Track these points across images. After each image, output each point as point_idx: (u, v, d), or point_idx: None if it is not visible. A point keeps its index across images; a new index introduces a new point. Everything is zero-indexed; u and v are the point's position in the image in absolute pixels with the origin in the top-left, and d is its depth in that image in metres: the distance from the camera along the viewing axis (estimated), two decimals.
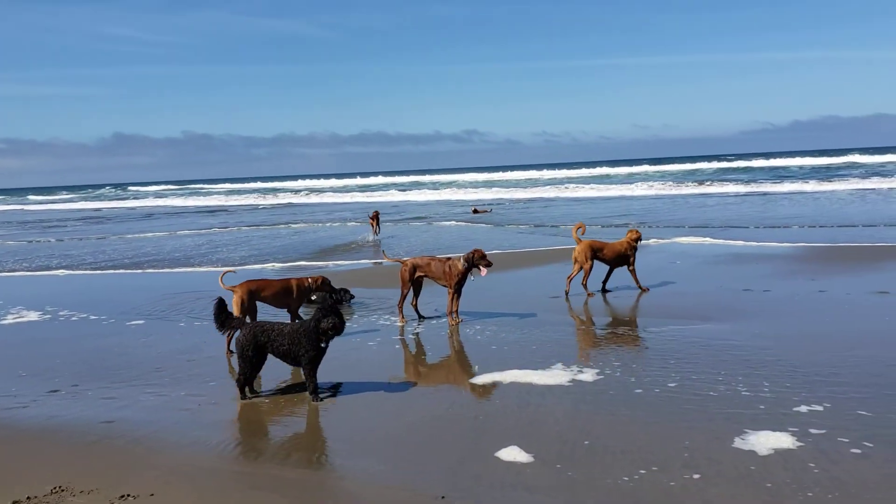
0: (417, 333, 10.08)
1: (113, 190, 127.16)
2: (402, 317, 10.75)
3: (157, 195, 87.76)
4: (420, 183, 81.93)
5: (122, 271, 18.59)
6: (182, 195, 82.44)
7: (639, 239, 12.75)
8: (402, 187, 74.65)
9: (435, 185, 74.64)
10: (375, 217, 24.72)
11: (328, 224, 32.25)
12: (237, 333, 7.43)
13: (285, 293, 9.93)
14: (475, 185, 71.64)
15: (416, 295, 11.07)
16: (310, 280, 10.19)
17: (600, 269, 12.89)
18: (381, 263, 17.17)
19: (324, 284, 10.36)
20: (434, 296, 12.22)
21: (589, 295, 12.31)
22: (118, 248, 24.67)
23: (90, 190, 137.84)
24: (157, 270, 18.33)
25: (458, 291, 10.44)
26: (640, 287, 12.55)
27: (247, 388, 7.49)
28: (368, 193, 64.61)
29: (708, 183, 50.59)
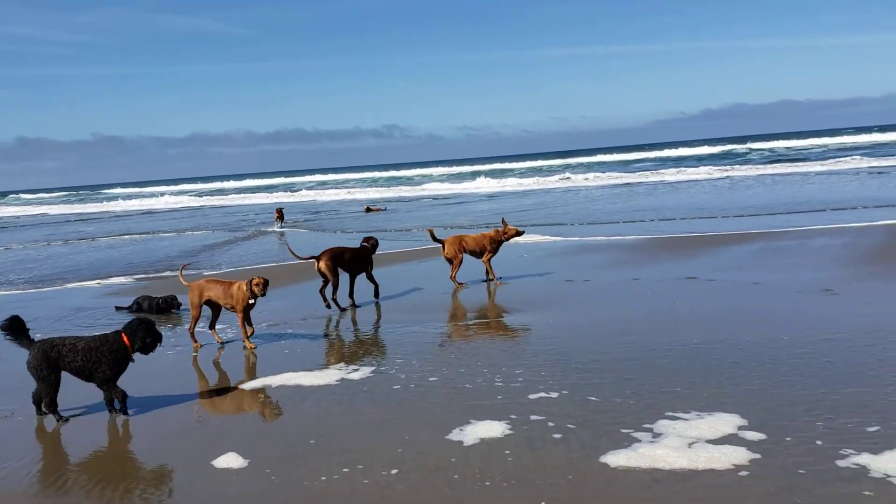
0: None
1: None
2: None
3: (41, 202, 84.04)
4: (334, 182, 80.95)
5: None
6: (71, 202, 78.87)
7: (506, 234, 12.82)
8: (310, 186, 73.80)
9: (350, 183, 73.98)
10: (280, 213, 29.77)
11: (188, 233, 29.53)
12: (28, 355, 6.88)
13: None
14: (394, 181, 71.61)
15: (335, 288, 11.07)
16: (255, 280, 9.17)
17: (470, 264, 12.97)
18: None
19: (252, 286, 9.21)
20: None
21: (458, 287, 12.53)
22: None
23: None
24: None
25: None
26: (493, 279, 12.74)
27: (42, 407, 7.01)
28: (277, 194, 63.63)
29: (596, 175, 51.83)
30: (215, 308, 9.65)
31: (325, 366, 8.26)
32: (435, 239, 12.78)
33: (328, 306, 11.16)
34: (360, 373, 7.90)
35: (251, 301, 9.22)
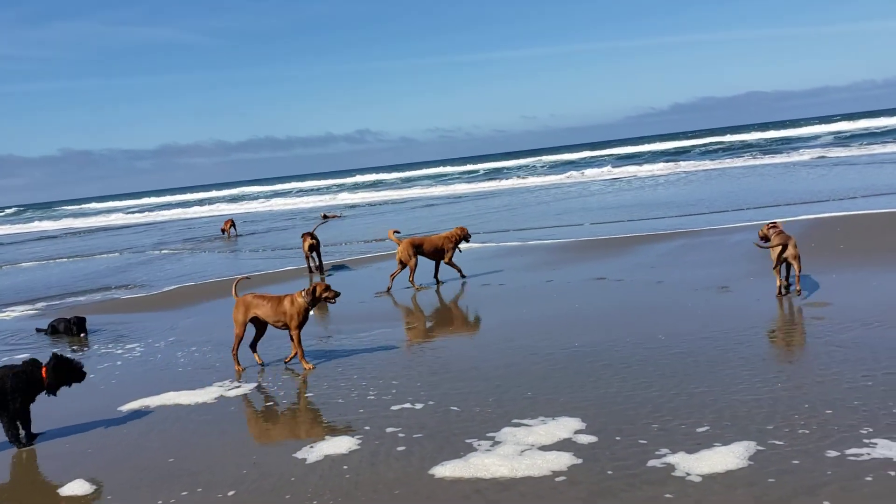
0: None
1: None
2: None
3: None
4: (310, 189, 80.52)
5: None
6: (28, 221, 77.47)
7: (463, 236, 13.21)
8: (276, 193, 73.45)
9: (319, 190, 73.69)
10: (230, 225, 29.59)
11: (125, 252, 27.68)
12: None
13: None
14: (363, 185, 71.64)
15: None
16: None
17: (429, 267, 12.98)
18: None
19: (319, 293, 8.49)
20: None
21: (417, 289, 12.76)
22: None
23: None
24: None
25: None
26: (461, 275, 13.26)
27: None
28: (241, 203, 63.27)
29: (554, 175, 52.08)
30: (261, 326, 8.84)
31: (210, 383, 8.26)
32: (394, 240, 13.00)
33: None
34: (241, 390, 7.93)
35: (310, 310, 8.44)
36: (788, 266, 9.78)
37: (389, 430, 6.25)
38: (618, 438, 5.55)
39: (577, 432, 5.74)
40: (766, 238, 10.00)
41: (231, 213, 48.32)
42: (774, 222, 10.27)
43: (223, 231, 29.57)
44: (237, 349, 8.69)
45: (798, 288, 9.60)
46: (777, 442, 5.22)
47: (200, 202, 76.40)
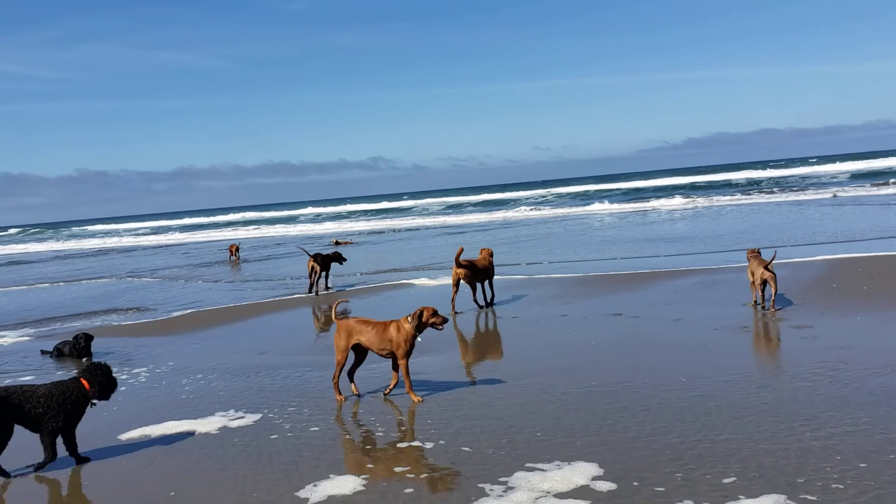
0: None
1: None
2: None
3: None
4: (328, 214, 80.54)
5: None
6: (44, 240, 77.88)
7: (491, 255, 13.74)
8: (290, 219, 73.61)
9: (329, 216, 73.83)
10: (235, 250, 29.72)
11: (124, 278, 26.89)
12: None
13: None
14: (375, 212, 71.80)
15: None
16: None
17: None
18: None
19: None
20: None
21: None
22: None
23: None
24: None
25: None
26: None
27: None
28: (250, 228, 63.40)
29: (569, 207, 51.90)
30: (361, 353, 8.28)
31: (213, 413, 8.02)
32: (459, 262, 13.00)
33: None
34: (244, 420, 7.68)
35: (418, 338, 7.91)
36: (765, 284, 11.06)
37: (398, 469, 5.98)
38: (636, 484, 5.26)
39: (594, 478, 5.45)
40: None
41: (244, 237, 48.39)
42: (753, 249, 11.78)
43: (231, 255, 29.93)
44: (339, 377, 8.16)
45: (773, 309, 10.91)
46: (809, 497, 4.91)
47: (213, 226, 76.66)
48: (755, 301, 11.31)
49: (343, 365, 8.12)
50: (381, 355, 8.04)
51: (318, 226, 58.67)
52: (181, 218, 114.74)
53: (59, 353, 12.10)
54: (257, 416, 7.81)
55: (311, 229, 55.29)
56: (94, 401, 6.88)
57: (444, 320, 7.82)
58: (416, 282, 17.46)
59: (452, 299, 13.12)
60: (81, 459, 6.78)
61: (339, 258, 18.00)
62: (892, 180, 45.71)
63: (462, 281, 13.09)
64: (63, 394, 6.62)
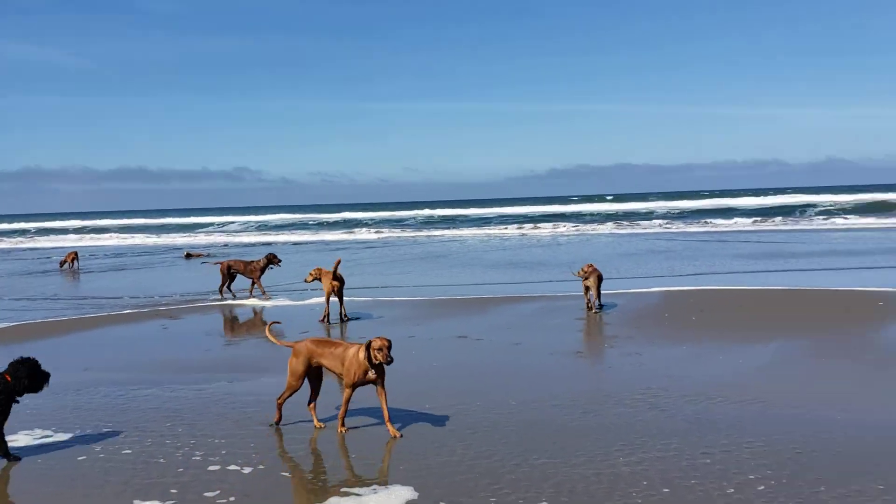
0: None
1: None
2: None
3: None
4: (175, 225, 77.24)
5: None
6: None
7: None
8: (145, 227, 70.08)
9: (184, 227, 70.91)
10: (73, 257, 27.89)
11: None
12: None
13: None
14: (245, 227, 69.48)
15: None
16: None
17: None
18: None
19: None
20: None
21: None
22: None
23: None
24: None
25: None
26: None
27: None
28: (93, 236, 59.83)
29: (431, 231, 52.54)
30: (318, 380, 7.52)
31: (14, 432, 7.33)
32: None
33: None
34: (51, 439, 7.10)
35: (371, 374, 7.06)
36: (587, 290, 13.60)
37: (208, 494, 5.68)
38: None
39: (408, 503, 5.38)
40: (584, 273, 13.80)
41: (91, 245, 45.62)
42: (591, 264, 13.99)
43: (62, 264, 27.92)
44: (285, 400, 7.44)
45: (595, 309, 13.60)
46: None
47: (60, 231, 71.89)
48: (588, 305, 13.76)
49: (295, 391, 7.40)
50: (336, 376, 7.56)
51: (169, 237, 56.09)
52: (25, 221, 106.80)
53: None
54: (67, 436, 7.24)
55: (165, 241, 52.84)
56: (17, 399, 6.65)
57: (387, 355, 6.92)
58: (247, 302, 16.97)
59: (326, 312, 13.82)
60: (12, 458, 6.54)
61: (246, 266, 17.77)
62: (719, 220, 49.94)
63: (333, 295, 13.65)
64: None
